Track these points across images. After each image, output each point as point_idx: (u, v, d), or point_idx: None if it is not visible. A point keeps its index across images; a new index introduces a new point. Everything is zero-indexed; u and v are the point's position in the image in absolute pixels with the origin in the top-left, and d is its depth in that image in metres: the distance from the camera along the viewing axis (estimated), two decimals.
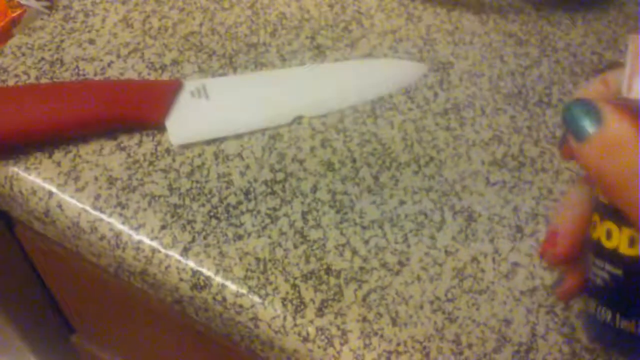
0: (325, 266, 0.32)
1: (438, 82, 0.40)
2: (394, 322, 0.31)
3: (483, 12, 0.44)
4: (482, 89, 0.40)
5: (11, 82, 0.36)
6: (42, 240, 0.40)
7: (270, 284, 0.31)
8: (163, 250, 0.32)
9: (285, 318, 0.31)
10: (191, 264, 0.31)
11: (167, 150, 0.35)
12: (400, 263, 0.33)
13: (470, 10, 0.44)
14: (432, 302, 0.32)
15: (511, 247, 0.34)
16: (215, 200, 0.34)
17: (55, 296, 0.52)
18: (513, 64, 0.42)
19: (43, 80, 0.37)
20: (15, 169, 0.33)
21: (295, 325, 0.30)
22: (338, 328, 0.30)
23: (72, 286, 0.47)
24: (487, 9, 0.44)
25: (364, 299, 0.31)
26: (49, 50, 0.38)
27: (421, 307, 0.32)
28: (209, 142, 0.35)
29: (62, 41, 0.38)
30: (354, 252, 0.33)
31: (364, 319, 0.31)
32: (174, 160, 0.35)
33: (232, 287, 0.31)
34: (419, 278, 0.32)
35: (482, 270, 0.33)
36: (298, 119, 0.37)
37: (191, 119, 0.35)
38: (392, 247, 0.33)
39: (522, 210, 0.36)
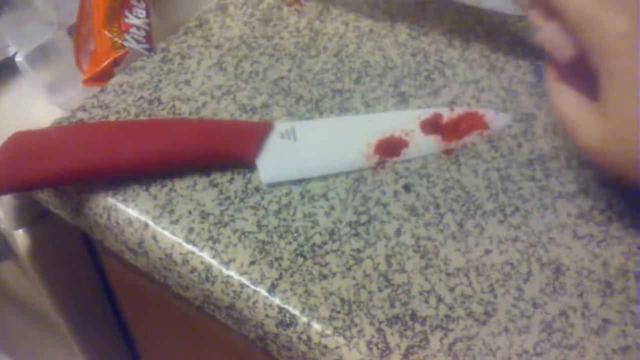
0: (410, 312, 0.32)
1: (522, 133, 0.40)
2: None
3: None
4: (567, 142, 0.40)
5: (112, 118, 0.39)
6: (128, 271, 0.41)
7: (356, 325, 0.31)
8: (251, 286, 0.32)
9: None
10: (277, 301, 0.32)
11: (257, 188, 0.36)
12: (486, 313, 0.32)
13: None
14: (520, 355, 0.31)
15: (601, 303, 0.33)
16: (301, 239, 0.34)
17: (130, 328, 0.53)
18: None
19: (142, 117, 0.39)
20: (114, 201, 0.35)
21: None
22: None
23: (149, 319, 0.48)
24: None
25: (450, 348, 0.31)
26: (148, 89, 0.40)
27: None
28: (295, 182, 0.36)
29: (159, 81, 0.41)
30: (439, 299, 0.33)
31: None
32: (262, 198, 0.35)
33: (318, 326, 0.31)
34: (506, 329, 0.32)
35: (572, 325, 0.32)
36: (381, 163, 0.38)
37: (280, 159, 0.36)
38: (479, 296, 0.33)
39: (612, 265, 0.35)
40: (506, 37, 0.46)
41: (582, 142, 0.32)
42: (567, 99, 0.34)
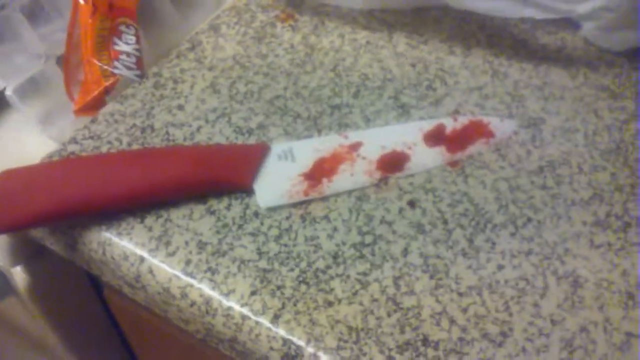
0: (421, 336, 0.30)
1: (530, 139, 0.38)
2: None
3: (572, 66, 0.43)
4: (578, 145, 0.38)
5: (104, 149, 0.37)
6: (130, 304, 0.40)
7: (365, 355, 0.30)
8: (253, 317, 0.31)
9: None
10: (281, 332, 0.30)
11: (256, 214, 0.34)
12: (502, 334, 0.30)
13: (558, 65, 0.43)
14: None
15: (623, 316, 0.31)
16: (303, 264, 0.33)
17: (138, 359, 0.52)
18: (609, 118, 0.40)
19: (135, 146, 0.37)
20: (108, 235, 0.34)
21: None
22: None
23: (156, 351, 0.47)
24: (576, 62, 0.43)
25: None
26: (140, 116, 0.39)
27: None
28: (295, 205, 0.35)
29: (152, 108, 0.39)
30: (452, 321, 0.31)
31: None
32: (262, 223, 0.34)
33: (325, 357, 0.30)
34: (524, 350, 0.30)
35: (594, 342, 0.30)
36: (384, 180, 0.36)
37: (279, 181, 0.35)
38: (493, 315, 0.31)
39: (632, 274, 0.33)
40: (508, 41, 0.44)
41: None
42: None
